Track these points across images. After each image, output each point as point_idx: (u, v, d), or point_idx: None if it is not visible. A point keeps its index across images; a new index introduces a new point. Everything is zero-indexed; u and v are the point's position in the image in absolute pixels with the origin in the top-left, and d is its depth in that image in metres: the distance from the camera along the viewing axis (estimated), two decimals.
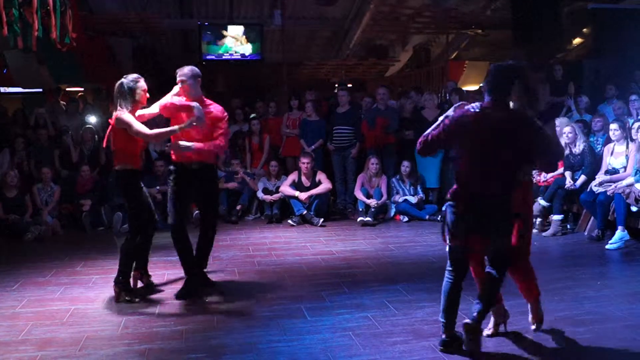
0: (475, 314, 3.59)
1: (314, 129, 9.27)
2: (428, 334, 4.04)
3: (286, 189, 8.46)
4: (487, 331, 3.99)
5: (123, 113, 4.70)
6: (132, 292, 4.94)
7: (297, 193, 8.33)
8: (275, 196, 8.57)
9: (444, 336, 3.76)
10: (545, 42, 10.62)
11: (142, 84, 4.86)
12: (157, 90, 5.52)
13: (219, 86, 14.91)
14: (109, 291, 4.99)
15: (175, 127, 4.80)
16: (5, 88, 13.73)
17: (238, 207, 8.65)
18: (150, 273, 5.32)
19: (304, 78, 15.58)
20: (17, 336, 4.17)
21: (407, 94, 10.47)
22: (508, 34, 11.80)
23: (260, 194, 8.70)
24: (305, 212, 8.23)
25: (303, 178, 8.47)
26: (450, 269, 3.75)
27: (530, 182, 4.05)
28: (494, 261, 3.65)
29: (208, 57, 12.43)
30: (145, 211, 4.99)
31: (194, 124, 4.75)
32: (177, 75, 4.94)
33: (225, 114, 5.15)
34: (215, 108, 5.07)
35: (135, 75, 4.85)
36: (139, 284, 5.17)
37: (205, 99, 5.04)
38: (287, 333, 4.14)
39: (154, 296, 4.99)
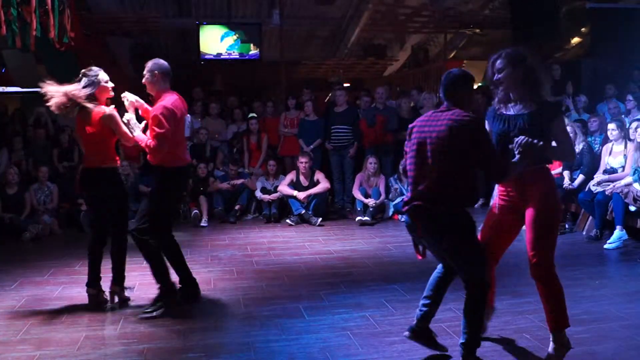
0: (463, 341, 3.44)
1: (313, 128, 9.27)
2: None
3: (284, 188, 8.47)
4: None
5: (112, 110, 4.64)
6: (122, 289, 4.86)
7: (295, 192, 8.33)
8: (274, 196, 8.57)
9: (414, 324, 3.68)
10: (544, 41, 10.63)
11: (104, 75, 4.68)
12: None
13: (217, 85, 14.91)
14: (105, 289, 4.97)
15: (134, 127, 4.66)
16: (4, 87, 13.73)
17: (237, 207, 8.65)
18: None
19: (302, 77, 15.58)
20: (16, 335, 4.18)
21: (407, 93, 10.48)
22: (506, 33, 11.82)
23: (258, 194, 8.70)
24: (303, 211, 8.23)
25: (301, 177, 8.47)
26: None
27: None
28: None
29: (206, 56, 12.42)
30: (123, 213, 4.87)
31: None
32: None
33: (154, 112, 4.53)
34: (157, 105, 4.61)
35: (96, 69, 4.66)
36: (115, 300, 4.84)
37: (164, 95, 4.63)
38: (285, 333, 4.15)
39: (152, 296, 4.94)
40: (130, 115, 4.62)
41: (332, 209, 9.08)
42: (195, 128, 9.69)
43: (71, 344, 4.01)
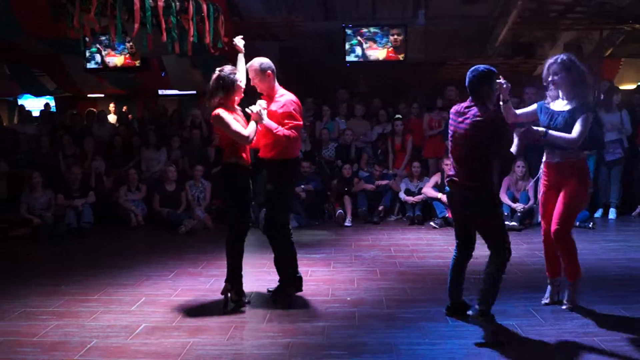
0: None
1: None
2: (578, 347, 3.78)
3: (429, 190, 8.31)
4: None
5: (221, 111, 4.57)
6: (241, 295, 4.80)
7: (439, 195, 8.15)
8: (418, 197, 8.44)
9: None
10: None
11: (239, 76, 4.75)
12: (303, 93, 5.55)
13: (362, 87, 14.98)
14: (256, 285, 5.15)
15: (252, 123, 4.62)
16: (163, 90, 14.75)
17: (380, 208, 8.63)
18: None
19: (447, 78, 15.24)
20: (172, 322, 4.44)
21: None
22: None
23: (402, 195, 8.62)
24: (448, 214, 8.03)
25: (446, 179, 8.26)
26: None
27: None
28: None
29: (351, 59, 12.52)
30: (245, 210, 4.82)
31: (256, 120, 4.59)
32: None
33: (286, 108, 4.65)
34: (281, 101, 4.70)
35: (231, 67, 4.73)
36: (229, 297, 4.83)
37: (276, 90, 4.78)
38: (429, 336, 4.07)
39: (299, 292, 5.02)
40: (258, 108, 4.57)
41: None
42: (341, 129, 9.80)
43: (221, 333, 4.19)
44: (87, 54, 10.99)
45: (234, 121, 4.58)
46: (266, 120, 4.58)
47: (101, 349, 3.95)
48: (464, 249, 4.47)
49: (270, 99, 4.77)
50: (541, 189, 4.63)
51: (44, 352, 3.93)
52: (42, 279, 5.74)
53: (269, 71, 4.70)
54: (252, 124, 4.59)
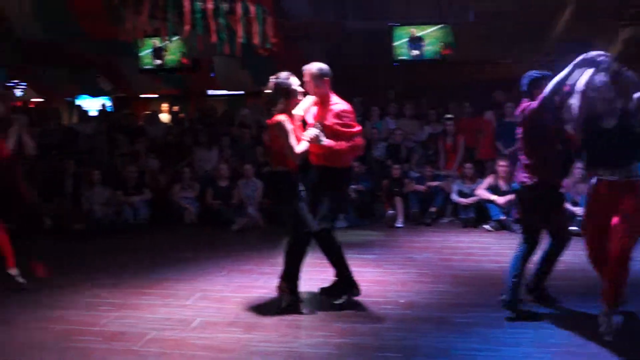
0: None
1: (512, 130, 8.83)
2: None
3: (483, 192, 8.16)
4: None
5: (284, 119, 4.50)
6: (297, 300, 4.70)
7: (494, 197, 7.99)
8: (471, 199, 8.31)
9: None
10: None
11: (295, 79, 4.66)
12: (350, 93, 5.50)
13: (411, 86, 14.87)
14: (309, 284, 5.08)
15: (304, 141, 4.52)
16: (213, 91, 14.95)
17: (432, 209, 8.51)
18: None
19: (500, 77, 14.97)
20: (226, 318, 4.51)
21: None
22: None
23: (454, 197, 8.49)
24: (503, 217, 7.85)
25: (500, 182, 8.11)
26: None
27: None
28: None
29: (399, 57, 12.43)
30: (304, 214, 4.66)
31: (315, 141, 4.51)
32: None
33: (344, 119, 4.63)
34: (335, 110, 4.66)
35: (287, 73, 4.67)
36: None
37: (331, 98, 4.72)
38: (485, 342, 3.98)
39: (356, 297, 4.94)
40: (315, 132, 4.51)
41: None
42: (390, 129, 9.74)
43: (275, 330, 4.23)
44: (143, 55, 11.23)
45: (293, 133, 4.49)
46: (326, 142, 4.52)
47: (159, 341, 4.05)
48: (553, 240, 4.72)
49: (322, 105, 4.73)
50: (587, 213, 4.35)
51: (105, 341, 4.07)
52: (103, 272, 5.93)
53: (325, 77, 4.67)
54: (304, 144, 4.51)
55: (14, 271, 5.29)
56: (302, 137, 4.54)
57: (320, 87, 4.68)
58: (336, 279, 4.86)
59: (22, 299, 5.05)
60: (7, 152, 5.37)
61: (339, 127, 4.58)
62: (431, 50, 12.13)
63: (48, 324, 4.44)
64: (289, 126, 4.48)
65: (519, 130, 4.54)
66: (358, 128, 4.70)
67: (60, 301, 4.99)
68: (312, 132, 4.51)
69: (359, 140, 4.70)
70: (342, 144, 4.57)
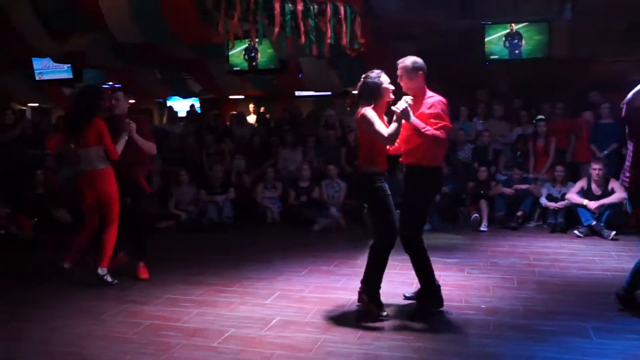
0: None
1: (607, 132, 8.44)
2: None
3: (573, 196, 7.82)
4: None
5: (367, 109, 4.41)
6: (378, 305, 4.59)
7: (585, 202, 7.65)
8: (561, 204, 7.98)
9: None
10: None
11: (385, 78, 4.54)
12: (439, 93, 5.31)
13: (502, 86, 14.46)
14: (389, 286, 4.99)
15: (396, 119, 4.38)
16: (300, 92, 15.11)
17: (519, 213, 8.25)
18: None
19: (595, 76, 14.31)
20: (304, 318, 4.53)
21: None
22: None
23: (543, 201, 8.19)
24: (594, 223, 7.51)
25: (593, 185, 7.75)
26: None
27: None
28: None
29: (491, 57, 12.12)
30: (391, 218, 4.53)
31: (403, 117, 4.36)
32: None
33: (434, 109, 4.44)
34: (429, 102, 4.50)
35: (377, 71, 4.54)
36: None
37: (426, 92, 4.57)
38: (570, 352, 3.82)
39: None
40: (404, 104, 4.36)
41: (627, 222, 8.12)
42: (478, 130, 9.52)
43: (352, 332, 4.20)
44: (233, 56, 11.50)
45: (379, 120, 4.39)
46: (413, 119, 4.37)
47: (238, 338, 4.11)
48: None
49: (417, 100, 4.54)
50: None
51: (186, 337, 4.17)
52: (186, 268, 6.08)
53: (420, 71, 4.52)
54: (394, 124, 4.37)
55: (103, 271, 5.46)
56: (392, 109, 4.39)
57: (414, 80, 4.52)
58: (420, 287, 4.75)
59: (105, 293, 5.24)
60: (116, 155, 5.49)
61: (429, 118, 4.39)
62: (526, 49, 11.74)
63: (129, 319, 4.58)
64: (373, 114, 4.38)
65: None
66: (447, 123, 4.46)
67: (143, 296, 5.15)
68: (402, 104, 4.34)
69: (444, 134, 4.44)
70: (428, 130, 4.35)
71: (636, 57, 14.16)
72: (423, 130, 4.36)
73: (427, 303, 4.65)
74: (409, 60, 4.54)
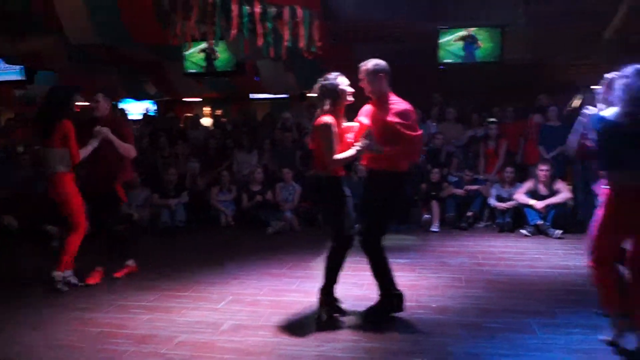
0: None
1: (554, 134, 8.68)
2: None
3: (521, 196, 8.04)
4: None
5: (328, 121, 4.29)
6: (332, 306, 4.59)
7: (532, 202, 7.87)
8: (509, 204, 8.19)
9: None
10: None
11: (343, 80, 4.42)
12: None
13: (456, 89, 14.70)
14: (342, 289, 5.05)
15: (353, 150, 4.30)
16: (256, 94, 15.09)
17: (469, 214, 8.44)
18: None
19: (548, 81, 14.67)
20: (257, 321, 4.54)
21: None
22: None
23: (492, 201, 8.39)
24: (540, 222, 7.73)
25: (540, 186, 7.97)
26: None
27: None
28: None
29: (445, 60, 12.32)
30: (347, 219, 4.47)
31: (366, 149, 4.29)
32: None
33: (406, 119, 4.31)
34: (396, 108, 4.36)
35: (335, 73, 4.43)
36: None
37: (389, 98, 4.42)
38: (515, 348, 3.95)
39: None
40: (365, 143, 4.28)
41: (573, 221, 8.38)
42: (432, 133, 9.68)
43: (305, 333, 4.24)
44: (190, 58, 11.41)
45: (335, 139, 4.26)
46: (376, 149, 4.27)
47: (189, 344, 4.10)
48: None
49: (379, 104, 4.41)
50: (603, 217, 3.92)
51: (136, 344, 4.13)
52: (136, 274, 6.01)
53: (381, 74, 4.39)
54: (349, 153, 4.29)
55: (58, 275, 5.39)
56: (353, 146, 4.32)
57: (375, 83, 4.40)
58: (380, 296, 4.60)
59: (54, 302, 5.13)
60: (77, 159, 5.39)
61: (401, 128, 4.26)
62: (480, 52, 11.97)
63: (78, 326, 4.51)
64: (333, 129, 4.26)
65: None
66: (419, 132, 4.37)
67: (92, 303, 5.07)
68: (363, 143, 4.27)
69: (419, 144, 4.43)
70: (399, 149, 4.27)
71: (589, 62, 14.59)
72: (395, 153, 4.28)
73: (385, 306, 4.59)
74: (370, 63, 4.44)
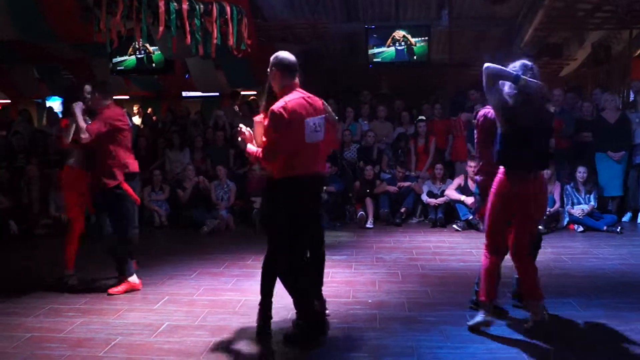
0: None
1: None
2: (602, 354, 3.78)
3: (452, 192, 8.28)
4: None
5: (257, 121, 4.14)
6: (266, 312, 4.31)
7: (463, 197, 8.10)
8: (440, 200, 8.41)
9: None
10: None
11: None
12: (326, 95, 5.45)
13: (385, 88, 14.95)
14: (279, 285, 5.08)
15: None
16: (187, 92, 14.88)
17: (402, 210, 8.61)
18: None
19: (472, 79, 15.14)
20: (194, 321, 4.49)
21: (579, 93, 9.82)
22: None
23: (424, 197, 8.59)
24: (471, 217, 7.97)
25: (470, 182, 8.22)
26: None
27: None
28: None
29: (374, 60, 12.50)
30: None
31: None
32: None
33: (270, 115, 3.87)
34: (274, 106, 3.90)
35: None
36: None
37: (287, 93, 3.96)
38: (450, 340, 4.04)
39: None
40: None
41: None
42: (363, 131, 9.80)
43: (242, 333, 4.22)
44: (118, 55, 11.13)
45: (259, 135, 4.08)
46: (249, 147, 4.05)
47: (125, 346, 4.01)
48: None
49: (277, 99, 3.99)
50: (494, 200, 4.16)
51: (70, 348, 4.01)
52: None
53: (274, 68, 4.01)
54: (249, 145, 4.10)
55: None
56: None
57: (270, 77, 4.05)
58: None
59: None
60: (64, 143, 5.43)
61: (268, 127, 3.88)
62: (408, 53, 12.18)
63: (8, 332, 4.35)
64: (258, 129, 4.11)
65: None
66: (272, 137, 3.85)
67: (23, 308, 4.90)
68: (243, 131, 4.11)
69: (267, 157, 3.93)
70: (258, 152, 3.97)
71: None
72: (253, 154, 4.02)
73: (305, 331, 4.10)
74: (272, 57, 4.09)
